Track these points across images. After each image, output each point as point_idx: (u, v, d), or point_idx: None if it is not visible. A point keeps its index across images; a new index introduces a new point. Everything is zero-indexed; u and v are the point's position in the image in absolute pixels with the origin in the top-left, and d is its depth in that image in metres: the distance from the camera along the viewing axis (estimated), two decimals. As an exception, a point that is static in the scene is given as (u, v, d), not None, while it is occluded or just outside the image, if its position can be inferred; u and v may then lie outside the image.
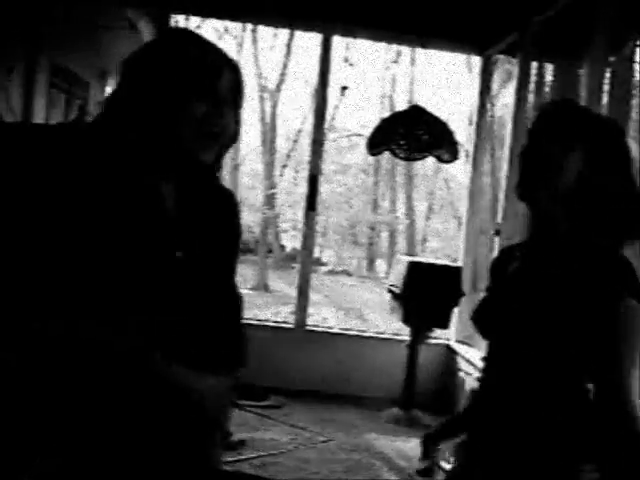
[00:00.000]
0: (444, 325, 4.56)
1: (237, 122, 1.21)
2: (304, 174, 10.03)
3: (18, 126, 1.82)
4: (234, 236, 1.35)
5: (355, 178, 17.56)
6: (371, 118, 15.17)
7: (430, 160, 4.79)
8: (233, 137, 1.22)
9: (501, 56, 5.26)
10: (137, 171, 1.16)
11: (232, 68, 1.19)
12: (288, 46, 15.59)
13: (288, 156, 16.39)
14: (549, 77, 4.96)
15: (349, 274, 16.43)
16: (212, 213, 1.29)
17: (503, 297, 1.40)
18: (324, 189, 11.14)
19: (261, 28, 14.53)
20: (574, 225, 1.31)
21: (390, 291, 4.68)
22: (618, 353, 1.25)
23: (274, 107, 15.98)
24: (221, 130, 1.17)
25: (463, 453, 1.47)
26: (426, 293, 4.39)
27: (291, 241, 16.79)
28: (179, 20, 11.87)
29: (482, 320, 1.45)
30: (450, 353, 4.76)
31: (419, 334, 4.50)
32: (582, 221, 1.30)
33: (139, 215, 1.15)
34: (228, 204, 1.35)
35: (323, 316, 9.99)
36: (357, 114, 22.36)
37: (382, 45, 15.25)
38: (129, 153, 1.16)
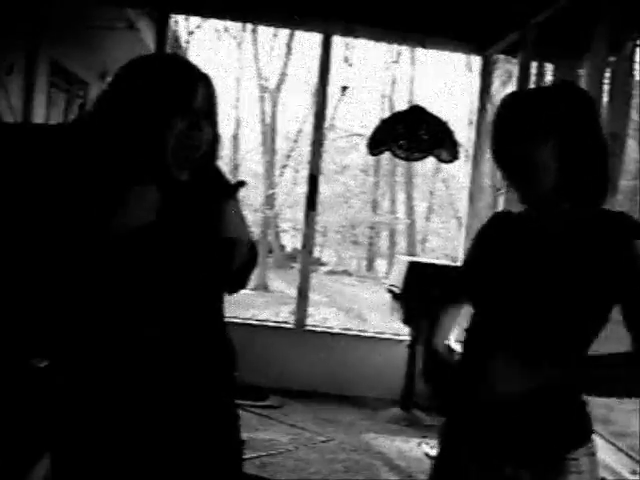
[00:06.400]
0: (444, 325, 4.55)
1: (215, 131, 1.34)
2: (304, 174, 10.03)
3: (17, 126, 1.94)
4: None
5: (355, 178, 17.56)
6: (371, 118, 15.15)
7: (430, 160, 4.79)
8: (214, 144, 1.35)
9: (501, 56, 5.26)
10: (121, 177, 1.27)
11: (205, 83, 1.31)
12: (288, 46, 15.61)
13: (288, 156, 16.39)
14: (549, 77, 4.96)
15: (349, 274, 16.42)
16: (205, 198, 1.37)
17: (506, 266, 1.38)
18: (324, 189, 11.13)
19: (261, 28, 14.56)
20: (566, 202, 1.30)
21: (390, 291, 4.67)
22: None
23: (274, 107, 15.98)
24: (200, 142, 1.29)
25: (448, 435, 1.46)
26: (426, 293, 4.39)
27: (291, 241, 16.80)
28: (179, 20, 11.92)
29: (478, 286, 1.44)
30: (450, 353, 4.74)
31: (419, 334, 4.50)
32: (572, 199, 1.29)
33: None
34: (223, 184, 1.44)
35: (323, 316, 9.99)
36: (357, 114, 22.33)
37: (382, 45, 15.29)
38: (115, 161, 1.28)
